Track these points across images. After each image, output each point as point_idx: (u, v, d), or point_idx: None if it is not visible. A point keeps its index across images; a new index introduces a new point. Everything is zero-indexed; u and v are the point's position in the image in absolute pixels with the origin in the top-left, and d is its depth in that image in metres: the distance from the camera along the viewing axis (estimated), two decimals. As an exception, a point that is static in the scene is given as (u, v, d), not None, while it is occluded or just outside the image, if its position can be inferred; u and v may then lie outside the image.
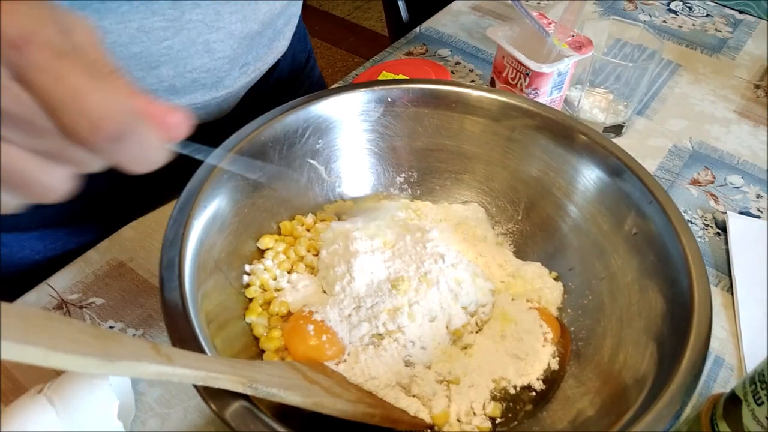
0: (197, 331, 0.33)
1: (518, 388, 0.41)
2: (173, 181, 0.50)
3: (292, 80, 0.66)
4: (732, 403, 0.36)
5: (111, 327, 0.46)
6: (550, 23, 0.58)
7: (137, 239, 0.51)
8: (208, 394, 0.30)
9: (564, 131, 0.47)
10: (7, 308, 0.23)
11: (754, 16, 0.85)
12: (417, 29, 0.79)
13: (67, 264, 0.49)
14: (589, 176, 0.46)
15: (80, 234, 0.54)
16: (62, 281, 0.48)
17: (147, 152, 0.24)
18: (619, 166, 0.44)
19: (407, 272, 0.42)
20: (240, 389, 0.30)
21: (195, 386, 0.31)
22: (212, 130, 0.56)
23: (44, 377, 0.42)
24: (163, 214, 0.53)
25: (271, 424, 0.30)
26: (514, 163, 0.50)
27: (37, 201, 0.24)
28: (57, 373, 0.43)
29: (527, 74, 0.56)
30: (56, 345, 0.23)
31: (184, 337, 0.33)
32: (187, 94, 0.49)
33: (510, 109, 0.49)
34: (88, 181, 0.50)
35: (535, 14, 0.58)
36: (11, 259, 0.52)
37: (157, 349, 0.28)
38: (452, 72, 0.73)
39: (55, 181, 0.24)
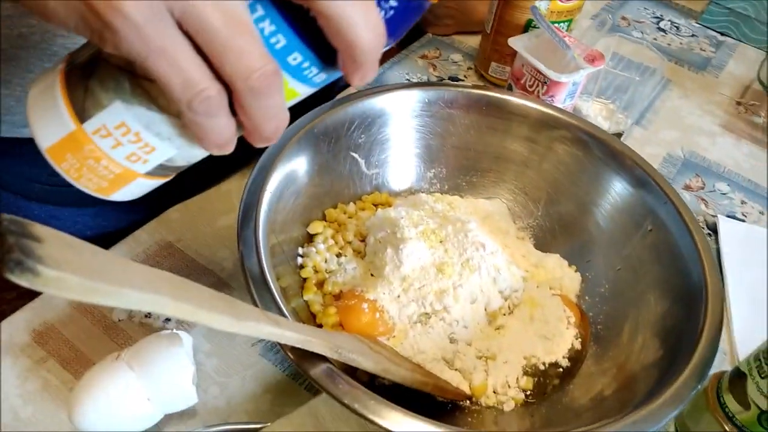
0: (279, 301, 0.36)
1: (547, 365, 0.46)
2: (212, 168, 0.52)
3: None
4: (737, 377, 0.41)
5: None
6: (566, 36, 0.62)
7: (183, 221, 0.54)
8: (296, 357, 0.34)
9: (595, 143, 0.52)
10: (157, 272, 0.26)
11: (733, 38, 0.93)
12: (430, 34, 0.83)
13: (113, 243, 0.51)
14: (613, 182, 0.51)
15: (130, 212, 0.55)
16: (114, 259, 0.50)
17: (279, 112, 0.26)
18: (643, 175, 0.50)
19: (451, 258, 0.46)
20: (328, 353, 0.33)
21: (284, 351, 0.34)
22: None
23: (107, 349, 0.44)
24: (204, 199, 0.56)
25: (353, 382, 0.34)
26: (537, 164, 0.55)
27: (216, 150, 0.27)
28: (119, 346, 0.45)
29: (545, 83, 0.61)
30: (201, 304, 0.26)
31: (268, 306, 0.36)
32: None
33: (544, 119, 0.54)
34: None
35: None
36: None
37: (266, 314, 0.31)
38: (464, 77, 0.77)
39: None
